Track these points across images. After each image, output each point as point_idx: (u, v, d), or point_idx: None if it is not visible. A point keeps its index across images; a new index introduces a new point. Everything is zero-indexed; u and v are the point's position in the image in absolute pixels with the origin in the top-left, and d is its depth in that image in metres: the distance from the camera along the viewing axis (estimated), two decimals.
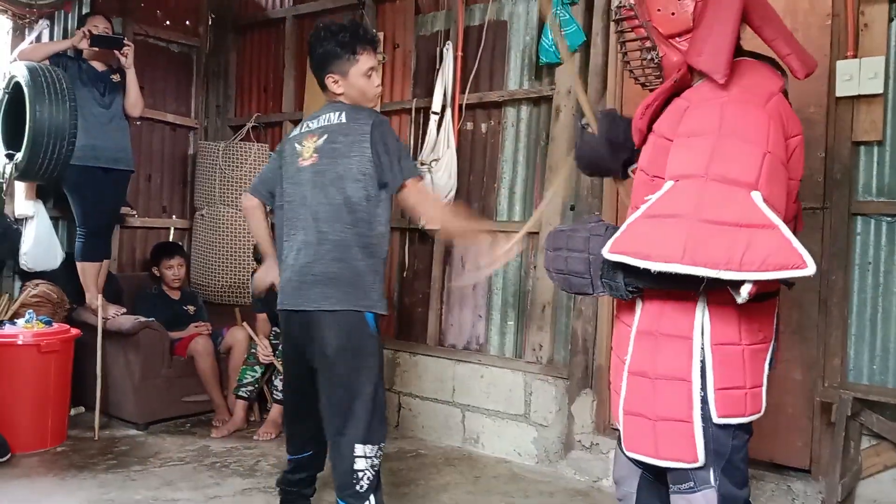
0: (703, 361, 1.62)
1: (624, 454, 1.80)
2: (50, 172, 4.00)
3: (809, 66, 1.72)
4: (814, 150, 3.07)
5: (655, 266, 1.50)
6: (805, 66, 1.72)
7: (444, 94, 4.21)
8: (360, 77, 2.48)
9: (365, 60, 2.47)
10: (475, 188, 4.24)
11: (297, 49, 5.14)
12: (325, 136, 2.44)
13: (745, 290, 1.48)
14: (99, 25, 4.28)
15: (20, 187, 4.38)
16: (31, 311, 3.87)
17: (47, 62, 4.12)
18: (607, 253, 1.60)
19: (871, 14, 2.94)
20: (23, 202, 4.37)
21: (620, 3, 1.81)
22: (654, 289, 1.66)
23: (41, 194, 4.47)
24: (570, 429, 3.61)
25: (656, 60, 1.79)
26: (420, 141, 4.37)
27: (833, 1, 3.05)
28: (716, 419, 1.63)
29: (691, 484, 1.68)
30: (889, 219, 2.95)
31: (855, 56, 2.95)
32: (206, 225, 5.12)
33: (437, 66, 4.28)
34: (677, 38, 1.75)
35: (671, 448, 1.65)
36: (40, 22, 4.46)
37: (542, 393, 3.75)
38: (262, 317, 4.35)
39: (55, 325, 3.89)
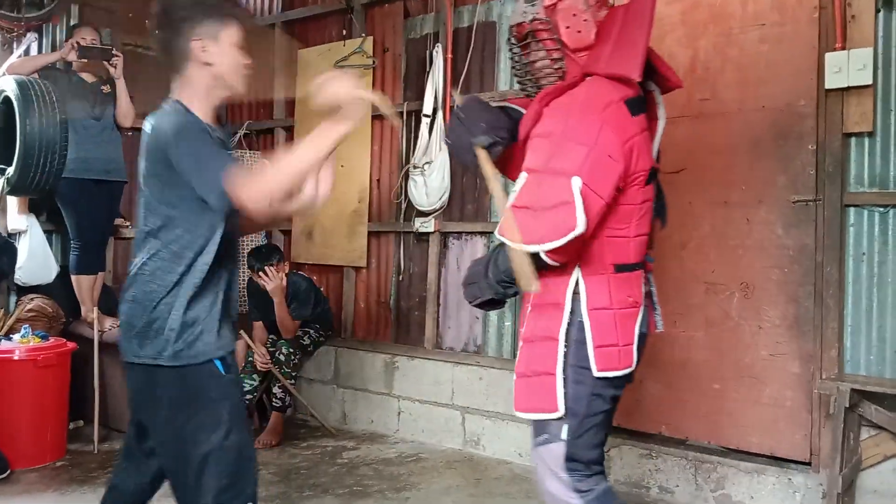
0: (580, 323, 1.90)
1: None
2: (42, 186, 3.99)
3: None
4: (805, 142, 3.08)
5: (514, 245, 1.83)
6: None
7: (435, 97, 4.22)
8: (231, 46, 1.98)
9: (237, 29, 2.00)
10: (469, 190, 4.24)
11: (286, 56, 5.14)
12: None
13: (545, 258, 1.83)
14: (87, 37, 4.27)
15: (12, 202, 4.37)
16: (26, 325, 3.86)
17: (36, 75, 4.12)
18: (497, 234, 1.94)
19: (858, 5, 2.95)
20: (15, 217, 4.36)
21: (534, 17, 2.00)
22: (505, 275, 1.94)
23: (34, 208, 4.46)
24: None
25: (563, 70, 2.01)
26: (413, 144, 4.37)
27: None
28: (595, 373, 1.89)
29: (546, 436, 1.94)
30: (882, 209, 2.95)
31: (843, 48, 2.95)
32: None
33: (428, 69, 4.28)
34: (578, 53, 1.99)
35: (537, 400, 1.92)
36: (28, 35, 4.46)
37: None
38: (258, 325, 4.35)
39: (51, 340, 3.88)
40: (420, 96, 4.31)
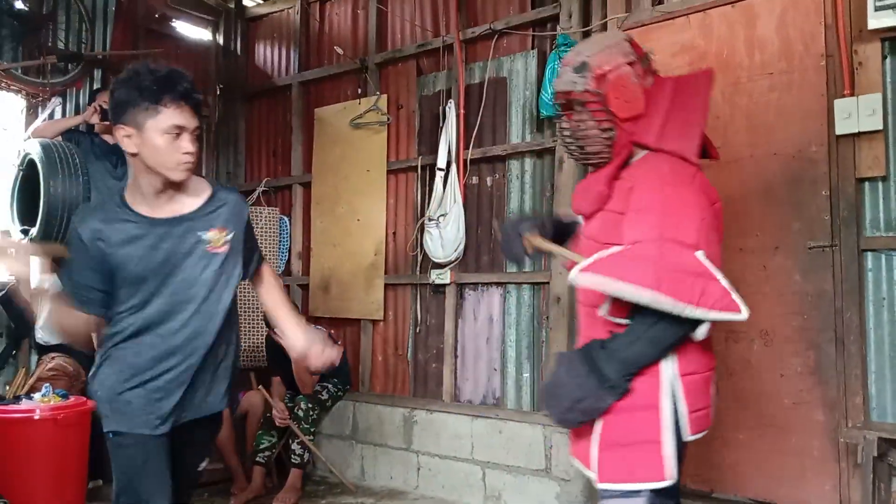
0: (672, 390, 1.87)
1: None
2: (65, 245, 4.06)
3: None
4: (818, 188, 3.08)
5: (627, 289, 1.76)
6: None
7: (449, 151, 4.28)
8: (159, 134, 1.91)
9: (171, 115, 1.91)
10: (484, 240, 4.26)
11: (303, 114, 5.25)
12: None
13: (704, 329, 1.81)
14: (108, 100, 4.39)
15: (35, 261, 4.44)
16: (47, 384, 3.87)
17: (60, 138, 4.22)
18: (577, 277, 1.86)
19: (865, 52, 2.98)
20: (38, 276, 4.41)
21: (584, 88, 2.00)
22: (640, 365, 1.86)
23: (55, 267, 4.52)
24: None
25: (612, 139, 2.01)
26: (427, 197, 4.41)
27: (826, 42, 3.09)
28: (687, 437, 1.90)
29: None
30: None
31: (852, 94, 2.98)
32: None
33: (441, 124, 4.35)
34: (628, 123, 2.00)
35: (644, 470, 1.86)
36: (53, 100, 4.58)
37: (562, 446, 3.69)
38: (276, 380, 4.35)
39: (71, 398, 3.89)
40: (434, 150, 4.37)
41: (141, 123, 1.91)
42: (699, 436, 1.94)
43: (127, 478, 2.09)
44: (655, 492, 1.87)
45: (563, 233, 2.33)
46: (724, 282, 1.79)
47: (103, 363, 2.10)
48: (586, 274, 1.84)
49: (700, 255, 1.79)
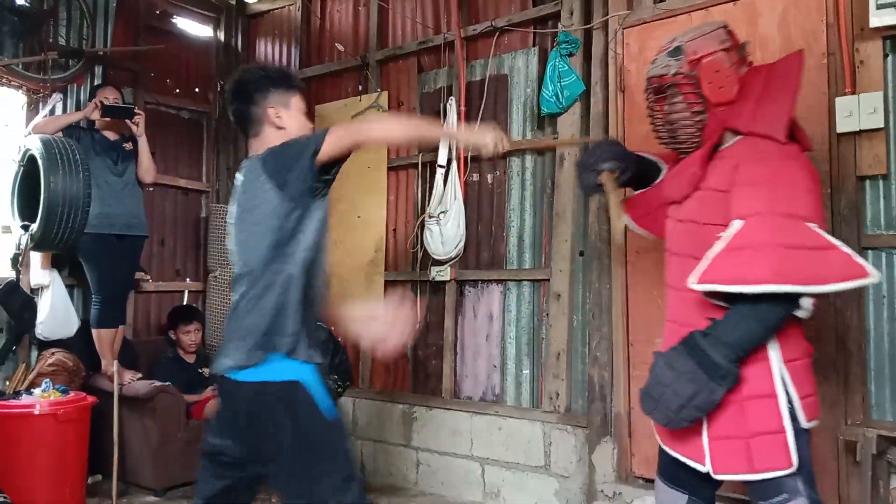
0: (782, 377, 1.88)
1: (709, 480, 2.00)
2: (65, 242, 4.06)
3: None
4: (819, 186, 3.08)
5: (750, 289, 1.77)
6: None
7: (450, 148, 4.28)
8: (301, 112, 2.31)
9: (302, 100, 2.33)
10: (484, 237, 4.26)
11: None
12: None
13: (809, 303, 1.82)
14: (109, 97, 4.39)
15: (35, 257, 4.44)
16: (47, 380, 3.89)
17: (61, 134, 4.22)
18: (695, 284, 1.87)
19: (866, 51, 2.98)
20: (38, 272, 4.42)
21: (677, 70, 2.06)
22: (750, 348, 1.86)
23: (56, 263, 4.53)
24: (591, 479, 3.55)
25: (703, 123, 2.06)
26: (428, 194, 4.42)
27: (828, 40, 3.09)
28: (804, 424, 1.89)
29: (785, 496, 1.87)
30: None
31: (853, 92, 2.97)
32: (220, 286, 5.15)
33: (442, 121, 4.35)
34: (719, 108, 2.04)
35: (767, 460, 1.86)
36: (54, 96, 4.58)
37: (561, 443, 3.70)
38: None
39: (71, 394, 3.90)
40: (435, 148, 4.37)
41: (286, 102, 2.27)
42: (814, 423, 1.94)
43: None
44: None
45: (644, 174, 2.37)
46: (845, 248, 1.79)
47: None
48: (704, 283, 1.86)
49: (814, 226, 1.80)
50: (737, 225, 1.86)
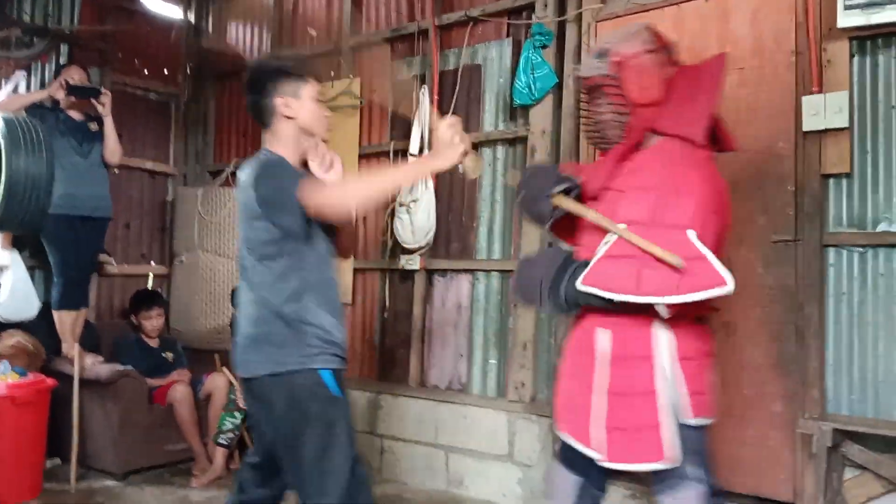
0: (666, 375, 1.98)
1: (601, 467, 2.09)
2: (27, 222, 3.96)
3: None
4: (784, 183, 3.13)
5: (616, 297, 1.92)
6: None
7: (422, 137, 4.26)
8: (312, 101, 2.30)
9: (315, 86, 2.32)
10: (454, 228, 4.26)
11: None
12: None
13: (664, 310, 1.93)
14: (75, 76, 4.30)
15: None
16: (5, 361, 3.81)
17: (24, 113, 4.13)
18: (580, 286, 2.01)
19: (833, 50, 3.03)
20: None
21: (602, 73, 2.11)
22: (595, 308, 2.05)
23: (17, 243, 4.44)
24: None
25: (625, 123, 2.11)
26: None
27: (797, 39, 3.13)
28: (691, 420, 1.98)
29: (675, 481, 2.00)
30: (861, 249, 2.99)
31: (820, 91, 3.02)
32: (185, 271, 5.09)
33: (414, 110, 4.33)
34: (644, 109, 2.09)
35: (645, 452, 1.96)
36: (17, 73, 4.49)
37: (525, 432, 3.72)
38: None
39: (30, 376, 3.83)
40: (407, 136, 4.35)
41: (295, 93, 2.27)
42: (704, 421, 2.03)
43: None
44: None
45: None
46: (711, 259, 1.87)
47: None
48: (585, 286, 1.99)
49: (691, 234, 1.88)
50: (620, 229, 1.97)
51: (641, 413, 1.97)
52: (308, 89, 2.28)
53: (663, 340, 1.98)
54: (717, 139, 2.19)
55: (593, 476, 2.23)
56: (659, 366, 1.97)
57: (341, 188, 2.20)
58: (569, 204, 2.18)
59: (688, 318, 2.01)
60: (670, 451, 1.95)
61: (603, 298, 1.97)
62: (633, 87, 2.07)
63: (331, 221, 2.17)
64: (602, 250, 1.99)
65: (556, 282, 2.09)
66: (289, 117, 2.26)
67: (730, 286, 1.85)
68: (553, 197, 2.21)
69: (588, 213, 2.14)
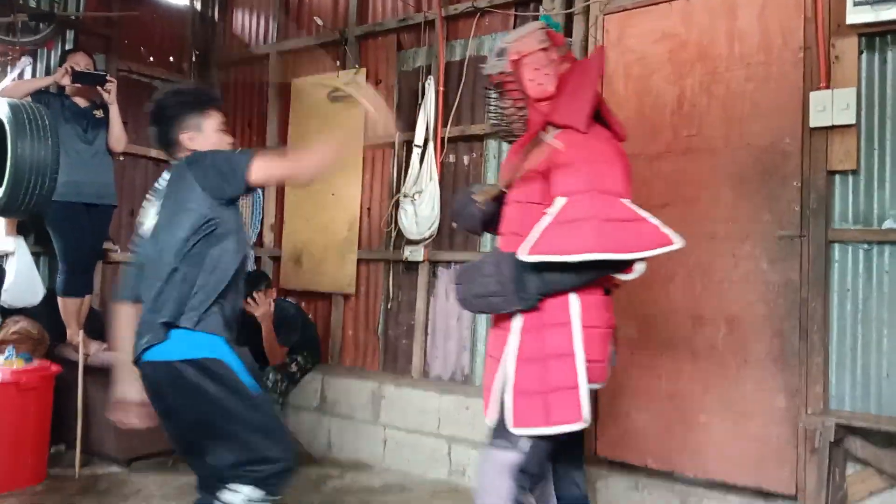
0: (581, 340, 2.05)
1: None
2: (32, 209, 3.97)
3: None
4: (790, 179, 3.13)
5: (575, 258, 1.95)
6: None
7: (427, 128, 4.27)
8: (215, 132, 2.41)
9: (217, 117, 2.43)
10: None
11: (280, 84, 5.19)
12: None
13: (642, 267, 2.04)
14: (80, 62, 4.29)
15: (0, 223, 4.35)
16: (10, 347, 3.82)
17: (29, 99, 4.12)
18: (526, 256, 2.00)
19: (842, 46, 3.02)
20: (3, 238, 4.33)
21: (501, 70, 2.24)
22: (558, 290, 2.06)
23: (21, 230, 4.45)
24: None
25: (525, 117, 2.24)
26: (403, 174, 4.40)
27: (805, 35, 3.13)
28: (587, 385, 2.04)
29: (505, 443, 2.08)
30: (866, 246, 3.00)
31: (828, 87, 3.02)
32: None
33: (419, 101, 4.33)
34: (540, 103, 2.21)
35: (562, 413, 2.01)
36: (23, 59, 4.47)
37: None
38: (244, 351, 4.32)
39: (35, 362, 3.84)
40: (412, 127, 4.35)
41: (199, 126, 2.39)
42: (595, 386, 2.13)
43: None
44: (543, 439, 2.07)
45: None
46: (652, 220, 2.01)
47: None
48: (534, 255, 1.99)
49: (626, 201, 2.02)
50: (561, 201, 2.02)
51: (558, 375, 2.02)
52: (211, 122, 2.39)
53: (576, 308, 2.05)
54: (609, 129, 2.28)
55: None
56: (577, 330, 2.04)
57: (293, 161, 2.32)
58: (491, 190, 2.33)
59: (599, 289, 2.11)
60: (586, 413, 2.02)
61: (560, 264, 2.01)
62: (529, 82, 2.21)
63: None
64: (546, 220, 2.03)
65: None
66: (192, 150, 2.35)
67: (678, 243, 1.98)
68: (477, 196, 2.37)
69: (515, 174, 2.22)
